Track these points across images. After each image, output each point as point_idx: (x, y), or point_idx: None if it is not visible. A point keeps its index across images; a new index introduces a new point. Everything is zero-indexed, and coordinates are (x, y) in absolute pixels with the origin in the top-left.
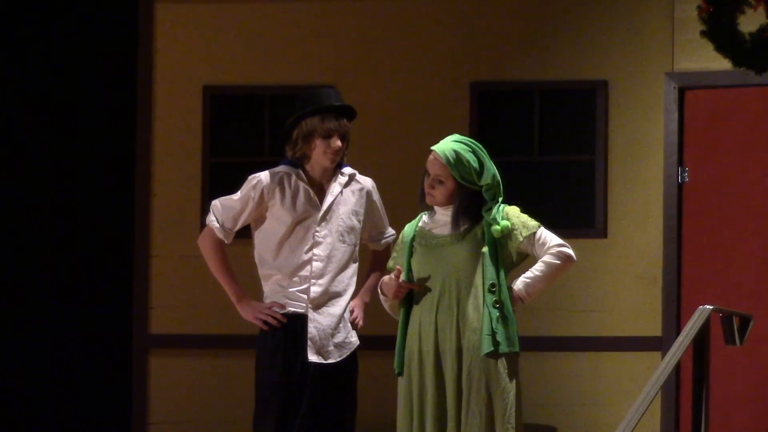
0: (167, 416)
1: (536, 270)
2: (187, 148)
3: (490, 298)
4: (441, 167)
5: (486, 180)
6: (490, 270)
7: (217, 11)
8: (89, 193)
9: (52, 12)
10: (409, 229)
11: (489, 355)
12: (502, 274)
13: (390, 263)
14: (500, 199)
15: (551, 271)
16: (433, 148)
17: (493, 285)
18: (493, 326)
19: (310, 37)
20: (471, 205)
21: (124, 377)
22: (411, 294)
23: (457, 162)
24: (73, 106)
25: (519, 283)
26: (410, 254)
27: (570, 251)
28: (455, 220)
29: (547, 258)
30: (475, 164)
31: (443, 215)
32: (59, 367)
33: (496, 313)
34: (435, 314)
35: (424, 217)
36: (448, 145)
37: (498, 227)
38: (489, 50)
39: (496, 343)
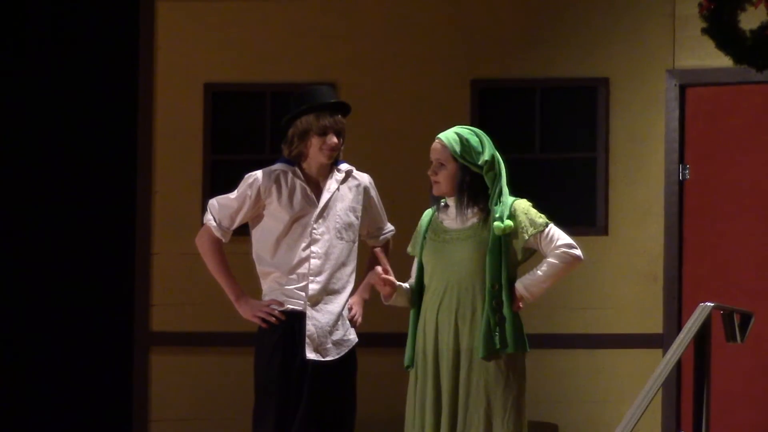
0: (168, 413)
1: (540, 270)
2: (188, 145)
3: (491, 300)
4: (441, 150)
5: (485, 157)
6: (493, 270)
7: (218, 9)
8: (90, 190)
9: (54, 9)
10: (426, 217)
11: (487, 357)
12: (505, 273)
13: (409, 249)
14: (504, 186)
15: (555, 272)
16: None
17: (494, 286)
18: (491, 328)
19: (311, 35)
20: (473, 185)
21: (125, 374)
22: (422, 290)
23: (456, 141)
24: (74, 104)
25: (521, 283)
26: (423, 246)
27: (576, 252)
28: (459, 201)
29: (552, 259)
30: (476, 144)
31: (453, 206)
32: (60, 364)
33: (495, 315)
34: (437, 314)
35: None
36: (450, 129)
37: (501, 225)
38: (490, 47)
39: (493, 346)
